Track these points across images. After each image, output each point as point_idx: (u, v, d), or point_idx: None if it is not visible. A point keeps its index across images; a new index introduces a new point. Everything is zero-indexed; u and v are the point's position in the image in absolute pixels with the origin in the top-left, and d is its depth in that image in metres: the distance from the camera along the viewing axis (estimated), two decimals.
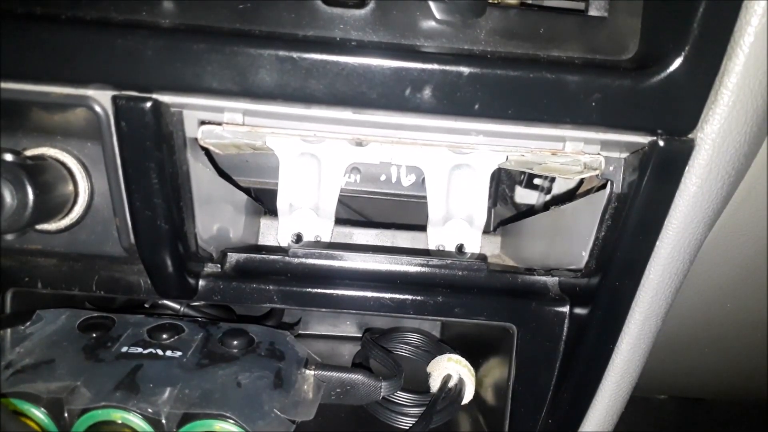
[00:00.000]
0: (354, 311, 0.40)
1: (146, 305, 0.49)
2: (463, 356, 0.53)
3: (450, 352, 0.54)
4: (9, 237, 0.38)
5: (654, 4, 0.33)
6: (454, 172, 0.49)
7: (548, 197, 0.58)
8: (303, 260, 0.41)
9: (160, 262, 0.37)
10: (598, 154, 0.37)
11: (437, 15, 0.33)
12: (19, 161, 0.33)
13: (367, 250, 0.42)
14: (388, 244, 0.63)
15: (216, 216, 0.44)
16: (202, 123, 0.37)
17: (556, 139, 0.36)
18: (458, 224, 0.52)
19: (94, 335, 0.40)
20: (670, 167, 0.34)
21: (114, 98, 0.32)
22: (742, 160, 0.35)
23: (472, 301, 0.41)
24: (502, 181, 0.67)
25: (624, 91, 0.32)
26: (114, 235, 0.38)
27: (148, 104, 0.32)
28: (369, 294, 0.40)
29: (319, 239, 0.52)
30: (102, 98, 0.33)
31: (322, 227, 0.52)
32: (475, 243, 0.53)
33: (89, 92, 0.33)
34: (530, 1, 0.35)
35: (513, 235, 0.61)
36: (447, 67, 0.32)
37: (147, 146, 0.33)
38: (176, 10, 0.32)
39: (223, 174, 0.53)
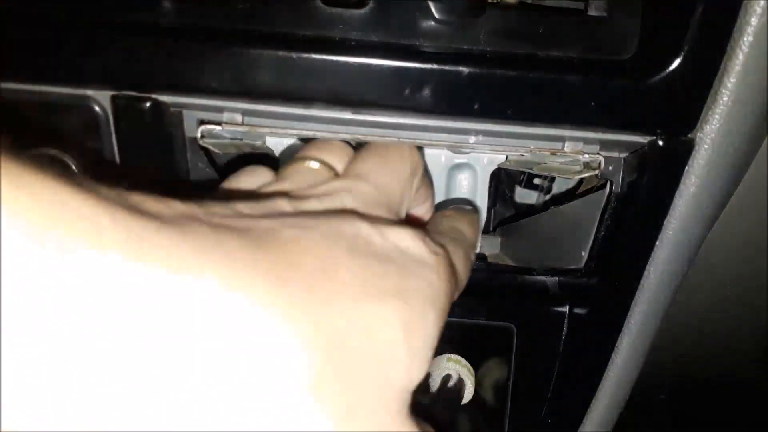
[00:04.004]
0: None
1: None
2: (462, 356, 0.53)
3: (449, 352, 0.54)
4: None
5: (654, 4, 0.33)
6: (453, 172, 0.49)
7: (548, 197, 0.58)
8: None
9: None
10: (598, 153, 0.37)
11: (437, 15, 0.33)
12: None
13: None
14: None
15: None
16: (202, 123, 0.37)
17: (556, 138, 0.36)
18: None
19: None
20: (669, 167, 0.34)
21: (113, 98, 0.32)
22: (742, 160, 0.35)
23: (471, 300, 0.41)
24: (502, 181, 0.67)
25: (623, 90, 0.32)
26: None
27: (148, 104, 0.32)
28: None
29: None
30: (101, 98, 0.33)
31: None
32: None
33: (88, 92, 0.33)
34: (530, 1, 0.35)
35: (513, 235, 0.61)
36: (446, 67, 0.32)
37: (146, 146, 0.33)
38: (175, 10, 0.32)
39: (222, 174, 0.53)
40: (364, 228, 0.21)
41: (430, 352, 0.21)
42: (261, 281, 0.16)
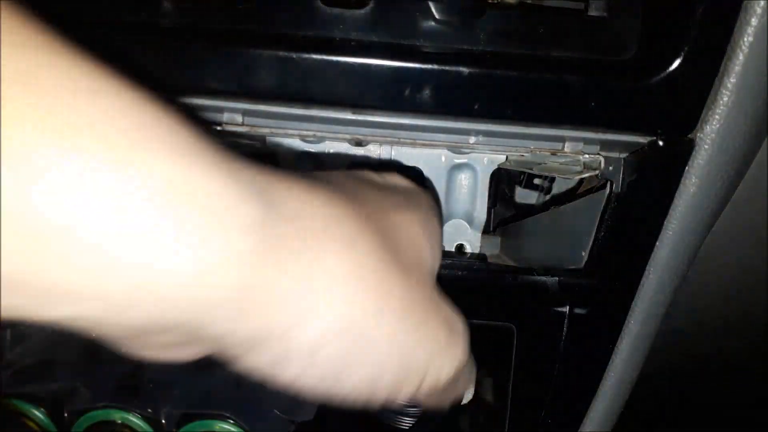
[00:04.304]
0: None
1: None
2: None
3: None
4: None
5: (654, 4, 0.33)
6: (453, 173, 0.49)
7: (548, 197, 0.58)
8: None
9: None
10: (598, 154, 0.37)
11: (437, 15, 0.33)
12: None
13: None
14: None
15: None
16: None
17: (556, 139, 0.36)
18: (458, 224, 0.52)
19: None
20: (669, 167, 0.34)
21: None
22: (742, 160, 0.35)
23: (471, 301, 0.41)
24: (502, 181, 0.67)
25: (624, 91, 0.32)
26: None
27: None
28: None
29: None
30: None
31: None
32: (474, 243, 0.53)
33: None
34: (530, 1, 0.35)
35: (513, 235, 0.61)
36: (447, 68, 0.32)
37: None
38: (175, 10, 0.32)
39: None
40: (367, 172, 0.28)
41: (440, 249, 0.27)
42: (330, 192, 0.22)
